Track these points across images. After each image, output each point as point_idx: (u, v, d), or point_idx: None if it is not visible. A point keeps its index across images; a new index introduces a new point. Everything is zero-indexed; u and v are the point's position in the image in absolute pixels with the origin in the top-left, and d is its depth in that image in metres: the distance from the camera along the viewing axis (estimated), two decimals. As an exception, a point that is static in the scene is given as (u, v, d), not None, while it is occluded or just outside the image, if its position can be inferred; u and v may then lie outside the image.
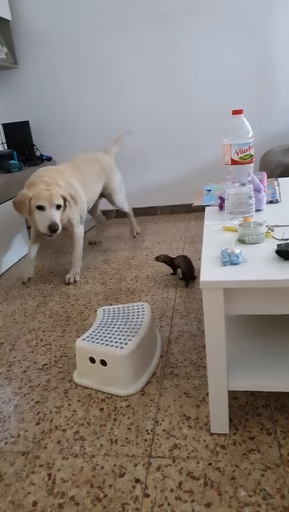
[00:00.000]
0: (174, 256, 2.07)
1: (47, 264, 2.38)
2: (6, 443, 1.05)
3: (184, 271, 1.88)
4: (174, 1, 2.68)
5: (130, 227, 2.70)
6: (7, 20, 2.80)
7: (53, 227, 1.82)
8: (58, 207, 1.86)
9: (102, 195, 2.45)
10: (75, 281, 2.06)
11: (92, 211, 2.61)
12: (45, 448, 1.02)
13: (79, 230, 2.12)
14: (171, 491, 0.87)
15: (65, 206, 1.92)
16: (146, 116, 2.95)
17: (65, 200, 1.90)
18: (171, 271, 2.04)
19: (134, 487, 0.89)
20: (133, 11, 2.73)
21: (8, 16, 2.76)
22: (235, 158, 1.13)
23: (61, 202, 1.87)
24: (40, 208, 1.83)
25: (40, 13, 2.82)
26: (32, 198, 1.83)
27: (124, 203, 2.54)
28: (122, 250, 2.47)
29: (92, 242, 2.68)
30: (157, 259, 1.97)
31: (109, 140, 2.57)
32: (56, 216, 1.84)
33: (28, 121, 2.94)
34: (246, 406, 1.08)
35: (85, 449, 1.01)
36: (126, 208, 2.58)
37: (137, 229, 2.70)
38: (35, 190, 1.84)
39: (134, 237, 2.68)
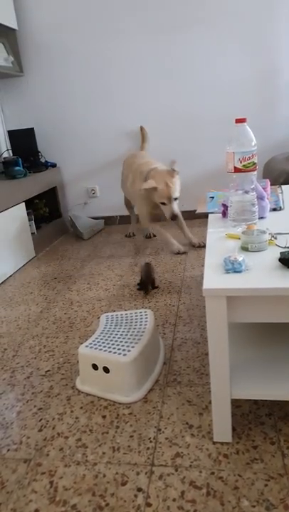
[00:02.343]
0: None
1: (50, 270, 2.39)
2: (9, 450, 1.05)
3: (143, 279, 1.90)
4: (177, 10, 2.71)
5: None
6: (13, 30, 2.84)
7: (173, 218, 2.25)
8: (176, 199, 2.24)
9: None
10: (185, 252, 2.39)
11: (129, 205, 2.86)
12: (48, 455, 1.02)
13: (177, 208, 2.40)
14: (174, 500, 0.86)
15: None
16: (150, 124, 2.97)
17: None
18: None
19: (136, 496, 0.88)
20: (137, 20, 2.76)
21: (14, 26, 2.81)
22: (239, 166, 1.14)
23: (178, 194, 2.25)
24: (163, 203, 2.25)
25: (46, 22, 2.86)
26: (158, 191, 2.21)
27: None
28: (125, 257, 2.48)
29: (128, 234, 2.89)
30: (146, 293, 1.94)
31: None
32: (175, 207, 2.26)
33: (33, 128, 2.97)
34: (249, 415, 1.07)
35: (87, 456, 1.00)
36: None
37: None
38: (159, 183, 2.20)
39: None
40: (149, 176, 2.27)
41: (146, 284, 1.89)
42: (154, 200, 2.28)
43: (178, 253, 2.39)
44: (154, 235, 2.80)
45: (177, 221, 2.40)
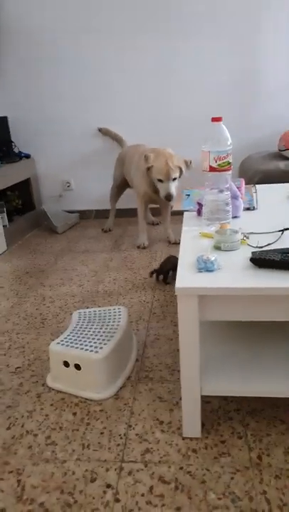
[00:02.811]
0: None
1: (23, 264, 2.35)
2: (-25, 448, 1.03)
3: (160, 268, 1.92)
4: (160, 10, 2.69)
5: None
6: (-12, 14, 2.74)
7: (168, 198, 2.21)
8: (174, 179, 2.22)
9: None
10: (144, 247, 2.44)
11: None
12: (16, 453, 1.00)
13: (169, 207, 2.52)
14: (142, 495, 0.87)
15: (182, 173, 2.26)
16: (128, 117, 2.95)
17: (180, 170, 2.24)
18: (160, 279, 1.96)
19: (105, 492, 0.88)
20: (117, 16, 2.73)
21: (-12, 10, 2.70)
22: (214, 165, 1.15)
23: (177, 174, 2.23)
24: (160, 180, 2.22)
25: (24, 11, 2.77)
26: (154, 168, 2.21)
27: None
28: (100, 252, 2.46)
29: (154, 222, 2.92)
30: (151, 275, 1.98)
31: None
32: (172, 187, 2.22)
33: (6, 117, 2.88)
34: (218, 410, 1.10)
35: (56, 454, 0.99)
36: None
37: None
38: (157, 161, 2.21)
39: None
40: (152, 153, 2.26)
41: (158, 274, 1.93)
42: (152, 178, 2.27)
43: (139, 247, 2.46)
44: (157, 223, 2.90)
45: (167, 209, 2.46)
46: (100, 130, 2.95)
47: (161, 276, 1.95)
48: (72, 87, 2.93)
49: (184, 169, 2.26)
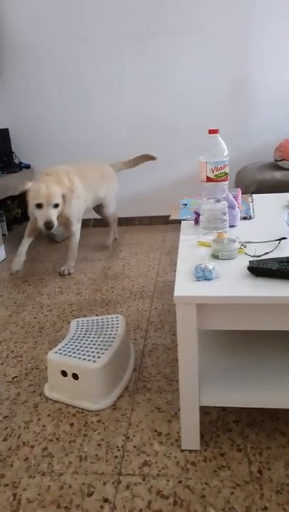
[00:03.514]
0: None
1: (21, 272, 2.34)
2: None
3: None
4: (153, 20, 2.73)
5: (109, 234, 2.69)
6: (-12, 27, 2.78)
7: (48, 225, 1.94)
8: (56, 206, 1.97)
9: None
10: (69, 274, 2.19)
11: (99, 212, 2.67)
12: (11, 466, 0.99)
13: (76, 227, 2.22)
14: (140, 510, 0.86)
15: (64, 203, 2.03)
16: (125, 128, 2.97)
17: (64, 197, 2.01)
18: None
19: (102, 507, 0.87)
20: (114, 27, 2.77)
21: (-11, 22, 2.74)
22: (211, 175, 1.16)
23: (59, 200, 1.98)
24: (39, 206, 1.95)
25: (25, 24, 2.81)
26: (30, 192, 1.96)
27: (111, 209, 2.63)
28: (98, 260, 2.46)
29: (106, 246, 2.69)
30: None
31: (126, 158, 2.68)
32: (53, 214, 1.96)
33: (7, 129, 2.91)
34: (217, 421, 1.08)
35: (52, 466, 0.98)
36: (111, 213, 2.64)
37: (111, 241, 2.69)
38: (34, 186, 1.96)
39: (107, 247, 2.64)
40: (38, 179, 2.06)
41: None
42: (31, 207, 2.01)
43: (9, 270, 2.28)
44: (116, 239, 2.79)
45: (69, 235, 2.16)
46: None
47: None
48: (71, 98, 2.95)
49: (66, 198, 2.01)
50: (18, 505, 0.88)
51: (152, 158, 2.65)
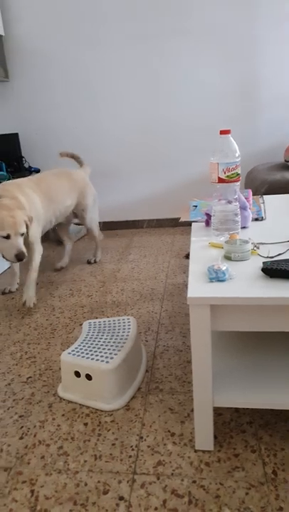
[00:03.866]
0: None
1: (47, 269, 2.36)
2: (-13, 459, 1.03)
3: None
4: (161, 21, 2.75)
5: (94, 252, 2.51)
6: (0, 36, 2.83)
7: (20, 256, 1.69)
8: (22, 234, 1.74)
9: (74, 213, 2.34)
10: (30, 307, 1.89)
11: (61, 229, 2.43)
12: (29, 463, 1.00)
13: (38, 248, 1.95)
14: (156, 509, 0.86)
15: (28, 230, 1.79)
16: (134, 131, 3.00)
17: (27, 224, 1.78)
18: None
19: (118, 505, 0.88)
20: (122, 29, 2.79)
21: (1, 32, 2.79)
22: (223, 176, 1.16)
23: (25, 229, 1.75)
24: (6, 237, 1.69)
25: (33, 29, 2.86)
26: None
27: (93, 223, 2.41)
28: (108, 263, 2.48)
29: (58, 267, 2.43)
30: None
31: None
32: (21, 244, 1.72)
33: (17, 134, 2.95)
34: (231, 423, 1.09)
35: (68, 464, 0.99)
36: (95, 229, 2.44)
37: (99, 256, 2.52)
38: None
39: (90, 263, 2.46)
40: None
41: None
42: None
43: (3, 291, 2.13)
44: (95, 261, 2.50)
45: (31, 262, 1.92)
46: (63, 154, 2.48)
47: None
48: (79, 102, 2.99)
49: (29, 224, 1.79)
50: (36, 502, 0.90)
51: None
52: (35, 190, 1.99)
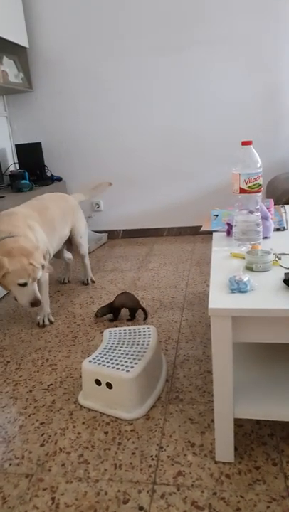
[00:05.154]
0: (110, 300, 1.95)
1: (53, 283, 2.41)
2: (10, 464, 1.05)
3: (132, 307, 1.79)
4: (183, 32, 2.79)
5: (84, 272, 2.36)
6: (24, 48, 2.93)
7: (35, 304, 1.62)
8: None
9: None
10: (50, 322, 1.87)
11: (58, 254, 2.33)
12: (49, 471, 1.02)
13: (44, 278, 1.85)
14: (176, 520, 0.86)
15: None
16: (156, 140, 3.03)
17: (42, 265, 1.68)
18: (110, 317, 1.83)
19: (138, 515, 0.88)
20: (143, 41, 2.84)
21: (25, 44, 2.89)
22: (244, 187, 1.17)
23: (41, 273, 1.67)
24: (23, 284, 1.60)
25: (55, 41, 2.95)
26: (11, 273, 1.57)
27: (85, 246, 2.29)
28: (128, 271, 2.50)
29: (61, 280, 2.41)
30: (96, 315, 1.81)
31: (84, 186, 2.47)
32: (37, 290, 1.64)
33: (40, 143, 3.03)
34: (251, 434, 1.08)
35: (89, 473, 1.00)
36: (85, 251, 2.31)
37: (91, 276, 2.37)
38: (15, 263, 1.57)
39: (86, 284, 2.34)
40: (3, 253, 1.60)
41: (135, 311, 1.81)
42: (5, 284, 1.62)
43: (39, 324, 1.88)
44: (93, 281, 2.37)
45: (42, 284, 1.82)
46: None
47: (109, 315, 1.82)
48: (102, 112, 3.04)
49: (45, 264, 1.69)
50: (57, 509, 0.91)
51: (109, 184, 2.45)
52: (38, 222, 1.88)
